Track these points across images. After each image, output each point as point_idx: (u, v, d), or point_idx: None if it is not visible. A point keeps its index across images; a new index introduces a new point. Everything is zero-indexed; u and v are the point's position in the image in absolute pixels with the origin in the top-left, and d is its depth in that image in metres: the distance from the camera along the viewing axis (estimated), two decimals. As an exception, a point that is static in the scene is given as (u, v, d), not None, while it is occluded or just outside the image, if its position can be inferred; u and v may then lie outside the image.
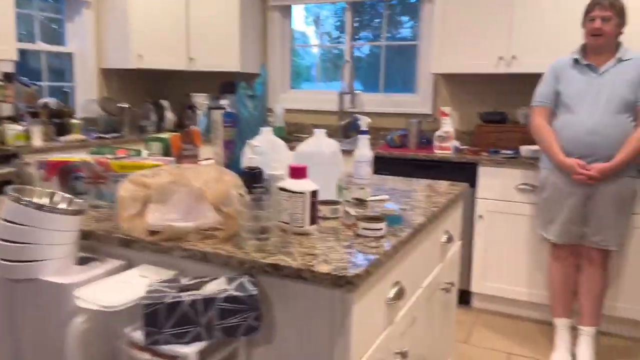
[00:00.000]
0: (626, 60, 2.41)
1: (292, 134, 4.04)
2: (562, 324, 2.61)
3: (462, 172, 3.02)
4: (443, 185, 2.09)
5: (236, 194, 1.27)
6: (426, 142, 3.43)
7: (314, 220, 1.34)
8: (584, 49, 2.53)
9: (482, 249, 3.00)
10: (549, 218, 2.56)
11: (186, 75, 4.32)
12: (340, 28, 4.16)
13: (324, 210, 1.48)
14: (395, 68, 3.96)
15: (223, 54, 3.98)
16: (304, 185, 1.34)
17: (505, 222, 2.93)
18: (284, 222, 1.32)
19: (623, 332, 2.78)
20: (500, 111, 3.30)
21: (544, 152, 2.56)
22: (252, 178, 1.44)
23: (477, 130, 3.26)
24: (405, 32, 3.93)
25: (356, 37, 4.05)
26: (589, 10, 2.46)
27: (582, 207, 2.46)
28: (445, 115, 3.13)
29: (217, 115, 1.89)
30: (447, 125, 3.12)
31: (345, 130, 3.94)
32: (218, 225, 1.30)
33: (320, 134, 1.65)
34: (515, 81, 3.37)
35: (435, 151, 3.14)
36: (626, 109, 2.38)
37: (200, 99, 4.08)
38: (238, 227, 1.25)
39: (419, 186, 2.06)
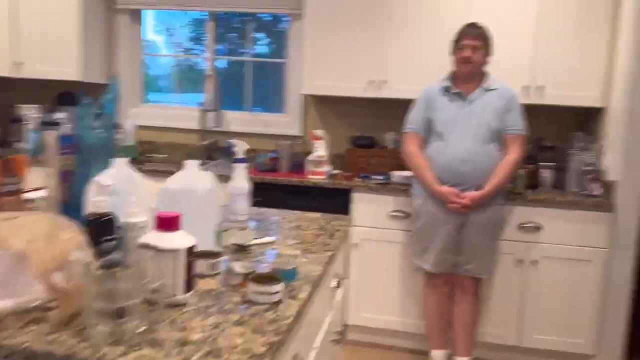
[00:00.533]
0: (493, 89, 2.47)
1: (145, 154, 3.57)
2: (438, 356, 2.57)
3: (336, 199, 2.88)
4: (328, 219, 1.88)
5: (78, 258, 0.90)
6: (297, 165, 3.24)
7: (190, 285, 1.02)
8: (453, 77, 2.55)
9: (357, 279, 2.87)
10: (423, 247, 2.52)
11: (12, 84, 3.58)
12: (198, 40, 3.82)
13: (200, 265, 1.16)
14: (262, 86, 3.73)
15: (59, 60, 3.38)
16: (177, 240, 1.01)
17: (379, 250, 2.84)
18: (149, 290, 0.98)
19: (493, 358, 2.82)
20: (369, 135, 3.25)
21: (418, 180, 2.51)
22: (101, 229, 1.07)
23: (347, 155, 3.16)
24: (271, 48, 3.72)
25: (218, 49, 3.74)
26: (458, 39, 2.48)
27: (456, 235, 2.45)
28: (318, 139, 2.97)
29: (50, 137, 1.44)
30: (320, 150, 2.96)
31: (208, 151, 3.58)
32: (49, 303, 0.91)
33: (192, 166, 1.33)
34: (385, 105, 3.35)
35: (309, 176, 2.96)
36: (494, 137, 2.44)
37: (30, 112, 3.40)
38: (80, 305, 0.88)
39: (304, 221, 1.83)
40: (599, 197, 2.64)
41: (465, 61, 2.44)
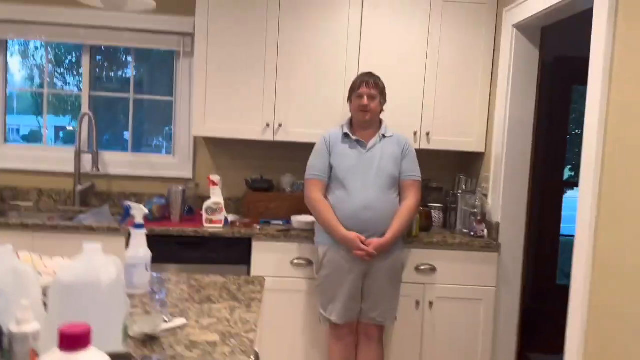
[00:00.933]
0: (389, 136, 2.54)
1: (5, 201, 3.11)
2: (345, 406, 2.52)
3: (236, 248, 2.73)
4: (238, 283, 1.74)
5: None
6: (190, 211, 3.03)
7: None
8: (351, 124, 2.58)
9: (260, 330, 2.72)
10: (329, 297, 2.47)
11: None
12: (70, 70, 3.46)
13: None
14: (148, 125, 3.46)
15: None
16: (87, 361, 0.83)
17: (282, 300, 2.73)
18: None
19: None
20: (267, 178, 3.16)
21: (323, 227, 2.48)
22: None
23: (246, 199, 3.03)
24: (157, 84, 3.48)
25: (97, 83, 3.41)
26: (356, 87, 2.53)
27: (361, 284, 2.45)
28: (215, 184, 2.80)
29: None
30: (217, 196, 2.79)
31: (83, 197, 3.22)
32: None
33: (92, 251, 1.13)
34: (282, 147, 3.29)
35: (205, 225, 2.77)
36: (393, 184, 2.50)
37: None
38: None
39: (212, 289, 1.67)
40: (485, 237, 2.82)
41: (364, 109, 2.48)
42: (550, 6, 2.31)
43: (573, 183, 4.56)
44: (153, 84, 3.44)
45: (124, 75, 3.41)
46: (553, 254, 4.20)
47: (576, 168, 4.70)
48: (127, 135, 3.41)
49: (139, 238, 1.60)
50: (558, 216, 4.20)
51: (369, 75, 2.56)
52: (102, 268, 1.11)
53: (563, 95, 4.03)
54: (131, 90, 3.38)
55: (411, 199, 2.49)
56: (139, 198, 3.26)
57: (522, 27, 2.71)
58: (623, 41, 1.79)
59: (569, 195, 4.31)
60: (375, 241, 2.38)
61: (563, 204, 4.21)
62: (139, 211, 1.64)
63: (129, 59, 3.42)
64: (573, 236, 2.00)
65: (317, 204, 2.47)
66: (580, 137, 4.56)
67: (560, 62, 3.74)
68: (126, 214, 1.71)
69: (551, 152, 4.01)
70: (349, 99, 2.61)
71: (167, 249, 2.69)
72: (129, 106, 3.38)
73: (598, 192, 1.87)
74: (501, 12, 2.89)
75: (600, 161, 1.86)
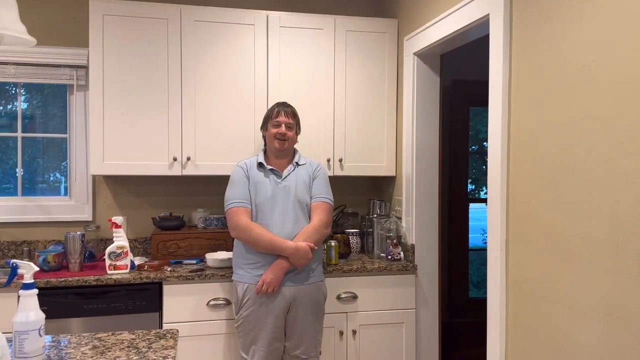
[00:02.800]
0: (302, 164, 2.51)
1: None
2: None
3: (144, 294, 2.53)
4: (146, 340, 1.59)
5: None
6: (91, 257, 2.78)
7: None
8: (265, 153, 2.53)
9: (175, 382, 2.53)
10: (251, 339, 2.35)
11: None
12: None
13: None
14: (38, 165, 3.16)
15: None
16: None
17: (200, 346, 2.56)
18: None
19: None
20: (177, 215, 2.99)
21: (268, 249, 2.32)
22: None
23: (154, 239, 2.84)
24: (48, 119, 3.18)
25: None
26: (273, 115, 2.49)
27: (283, 321, 2.36)
28: (118, 227, 2.59)
29: None
30: (121, 239, 2.58)
31: (-35, 249, 2.85)
32: None
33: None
34: (192, 181, 3.15)
35: (109, 272, 2.54)
36: (310, 211, 2.46)
37: None
38: None
39: (118, 349, 1.50)
40: (402, 260, 2.85)
41: (281, 138, 2.44)
42: (447, 35, 2.42)
43: (476, 199, 4.83)
44: (46, 117, 3.15)
45: (14, 109, 3.09)
46: (464, 267, 4.36)
47: (475, 182, 4.99)
48: (17, 176, 3.09)
49: (29, 300, 1.40)
50: (465, 230, 4.39)
51: (286, 104, 2.53)
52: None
53: (462, 116, 4.25)
54: (19, 128, 3.07)
55: (315, 219, 2.42)
56: (32, 246, 2.96)
57: (422, 55, 2.82)
58: (518, 68, 1.90)
59: (472, 207, 4.52)
60: (302, 244, 2.33)
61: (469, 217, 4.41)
62: (27, 269, 1.44)
63: (16, 91, 3.11)
64: (479, 249, 2.06)
65: (251, 228, 2.33)
66: (476, 153, 4.84)
67: (457, 85, 3.94)
68: (13, 273, 1.50)
69: (454, 169, 4.20)
70: (264, 126, 2.55)
71: (67, 302, 2.45)
72: (15, 144, 3.07)
73: (506, 211, 1.95)
74: (402, 41, 2.99)
75: (506, 182, 1.95)
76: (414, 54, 2.82)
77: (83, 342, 1.57)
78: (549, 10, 1.72)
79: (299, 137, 2.59)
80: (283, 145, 2.45)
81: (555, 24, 1.69)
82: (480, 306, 4.01)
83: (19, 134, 3.07)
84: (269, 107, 2.62)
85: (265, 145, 2.57)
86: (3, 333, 1.27)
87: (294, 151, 2.56)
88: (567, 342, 1.63)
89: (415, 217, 2.86)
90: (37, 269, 1.46)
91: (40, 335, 1.43)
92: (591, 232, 1.53)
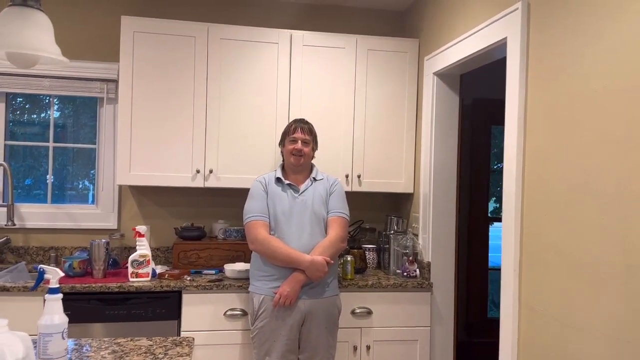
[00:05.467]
0: (319, 179, 2.57)
1: None
2: None
3: (164, 302, 2.60)
4: (163, 346, 1.64)
5: None
6: (115, 264, 2.87)
7: None
8: (283, 169, 2.59)
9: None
10: (265, 350, 2.39)
11: None
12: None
13: None
14: (68, 174, 3.28)
15: None
16: None
17: (216, 356, 2.61)
18: None
19: None
20: (198, 226, 3.07)
21: (285, 263, 2.37)
22: None
23: (175, 249, 2.92)
24: (78, 131, 3.31)
25: (12, 130, 3.20)
26: (290, 132, 2.55)
27: (298, 334, 2.40)
28: (141, 235, 2.68)
29: None
30: (144, 248, 2.67)
31: (-4, 253, 2.98)
32: None
33: (-4, 329, 1.02)
34: (213, 193, 3.23)
35: (131, 279, 2.63)
36: (326, 227, 2.50)
37: None
38: None
39: (137, 354, 1.56)
40: (417, 277, 2.87)
41: (298, 154, 2.50)
42: (466, 56, 2.45)
43: (498, 218, 4.79)
44: (76, 127, 3.28)
45: (47, 117, 3.23)
46: (483, 286, 4.33)
47: (500, 200, 4.95)
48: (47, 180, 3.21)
49: (54, 304, 1.48)
50: (485, 249, 4.36)
51: (303, 121, 2.60)
52: (7, 347, 1.01)
53: (483, 134, 4.26)
54: (50, 137, 3.21)
55: (331, 233, 2.47)
56: (59, 252, 3.07)
57: (442, 75, 2.85)
58: (533, 90, 1.92)
59: (494, 226, 4.49)
60: (318, 258, 2.37)
61: (490, 236, 4.38)
62: (53, 274, 1.52)
63: (49, 101, 3.25)
64: (500, 268, 2.07)
65: (269, 242, 2.39)
66: (500, 171, 4.80)
67: (478, 104, 3.96)
68: (40, 278, 1.58)
69: (475, 188, 4.19)
70: (282, 142, 2.63)
71: (89, 307, 2.53)
72: (46, 154, 3.20)
73: (520, 232, 1.96)
74: (422, 60, 3.04)
75: (520, 203, 1.96)
76: (434, 73, 2.86)
77: (103, 347, 1.63)
78: (564, 36, 1.75)
79: (317, 152, 2.65)
80: (299, 160, 2.50)
81: (570, 49, 1.71)
82: (498, 326, 3.98)
83: (51, 144, 3.20)
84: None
85: (283, 160, 2.63)
86: (29, 335, 1.34)
87: (312, 166, 2.62)
88: (578, 366, 1.63)
89: (432, 234, 2.88)
90: (62, 274, 1.54)
91: (64, 338, 1.50)
92: (604, 255, 1.54)
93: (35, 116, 3.25)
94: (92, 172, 3.26)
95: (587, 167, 1.62)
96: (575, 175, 1.68)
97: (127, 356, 1.54)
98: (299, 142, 2.51)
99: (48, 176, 3.21)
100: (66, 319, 1.50)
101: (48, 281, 1.53)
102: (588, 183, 1.61)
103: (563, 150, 1.74)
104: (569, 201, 1.70)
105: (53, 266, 1.59)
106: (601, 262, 1.55)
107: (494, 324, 4.21)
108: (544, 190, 1.83)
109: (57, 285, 1.52)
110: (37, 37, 1.19)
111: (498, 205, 5.03)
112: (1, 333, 1.00)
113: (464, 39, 2.45)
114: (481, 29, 2.28)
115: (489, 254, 4.38)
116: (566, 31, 1.74)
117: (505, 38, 2.08)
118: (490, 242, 4.37)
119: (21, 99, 3.24)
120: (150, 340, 1.69)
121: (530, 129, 1.93)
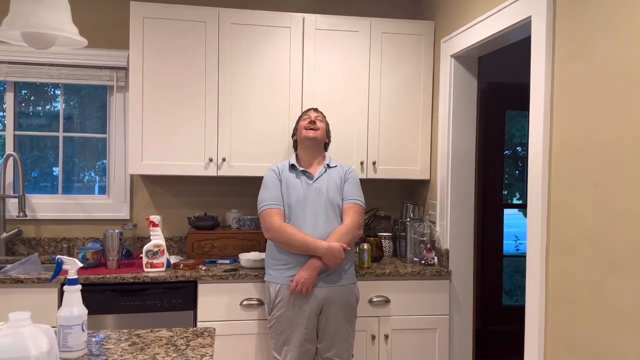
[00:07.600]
0: (333, 166, 2.52)
1: None
2: None
3: (179, 292, 2.57)
4: (184, 337, 1.61)
5: None
6: (128, 255, 2.84)
7: None
8: (297, 158, 2.54)
9: (208, 380, 2.56)
10: (283, 339, 2.35)
11: None
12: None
13: None
14: (79, 164, 3.24)
15: None
16: None
17: (233, 346, 2.58)
18: None
19: None
20: (212, 215, 3.02)
21: (301, 250, 2.32)
22: None
23: (189, 238, 2.88)
24: (90, 121, 3.27)
25: (22, 122, 3.16)
26: (303, 114, 2.58)
27: (315, 323, 2.36)
28: (155, 225, 2.64)
29: None
30: (158, 238, 2.63)
31: (9, 245, 2.95)
32: None
33: (19, 321, 0.98)
34: (226, 182, 3.18)
35: (145, 270, 2.59)
36: (341, 214, 2.46)
37: None
38: None
39: (157, 345, 1.53)
40: (435, 265, 2.82)
41: (312, 127, 2.47)
42: (486, 37, 2.38)
43: (509, 204, 4.73)
44: (85, 117, 3.23)
45: (53, 109, 3.18)
46: (498, 274, 4.28)
47: (508, 187, 4.89)
48: (57, 171, 3.18)
49: (74, 296, 1.44)
50: (499, 236, 4.31)
51: (316, 109, 2.59)
52: (31, 340, 0.97)
53: (497, 119, 4.18)
54: (60, 127, 3.16)
55: (347, 220, 2.43)
56: (71, 243, 3.04)
57: (460, 57, 2.78)
58: (561, 70, 1.85)
59: (506, 213, 4.43)
60: (335, 245, 2.33)
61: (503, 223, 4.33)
62: (72, 265, 1.48)
63: (58, 92, 3.21)
64: (511, 255, 2.02)
65: (284, 229, 2.35)
66: (510, 157, 4.74)
67: (492, 88, 3.88)
68: (58, 268, 1.54)
69: (489, 174, 4.13)
70: (295, 132, 2.59)
71: (104, 299, 2.50)
72: (58, 142, 3.16)
73: (547, 218, 1.90)
74: (438, 43, 2.96)
75: (547, 188, 1.90)
76: (451, 56, 2.78)
77: (123, 338, 1.60)
78: (593, 10, 1.67)
79: (331, 142, 2.63)
80: (314, 134, 2.47)
81: (600, 24, 1.64)
82: (513, 314, 3.94)
83: (60, 134, 3.16)
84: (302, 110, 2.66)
85: (295, 151, 2.59)
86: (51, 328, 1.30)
87: (325, 154, 2.57)
88: (610, 352, 1.58)
89: (450, 221, 2.82)
90: (81, 265, 1.50)
91: (83, 330, 1.46)
92: (637, 239, 1.48)
93: (40, 108, 3.20)
94: (98, 163, 3.22)
95: (619, 148, 1.56)
96: (607, 158, 1.61)
97: (148, 347, 1.51)
98: (311, 113, 2.53)
99: (58, 167, 3.17)
100: (85, 311, 1.47)
101: (65, 272, 1.49)
102: (620, 165, 1.55)
103: (593, 132, 1.67)
104: (600, 184, 1.64)
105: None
106: (635, 247, 1.49)
107: (510, 312, 4.17)
108: (573, 175, 1.77)
109: (76, 277, 1.48)
110: (54, 17, 1.14)
111: (507, 192, 4.96)
112: (24, 326, 0.96)
113: (485, 19, 2.38)
114: (503, 7, 2.21)
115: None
116: (595, 5, 1.66)
117: (530, 17, 2.00)
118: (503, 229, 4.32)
119: (26, 91, 3.19)
120: (171, 331, 1.65)
121: (558, 111, 1.86)
